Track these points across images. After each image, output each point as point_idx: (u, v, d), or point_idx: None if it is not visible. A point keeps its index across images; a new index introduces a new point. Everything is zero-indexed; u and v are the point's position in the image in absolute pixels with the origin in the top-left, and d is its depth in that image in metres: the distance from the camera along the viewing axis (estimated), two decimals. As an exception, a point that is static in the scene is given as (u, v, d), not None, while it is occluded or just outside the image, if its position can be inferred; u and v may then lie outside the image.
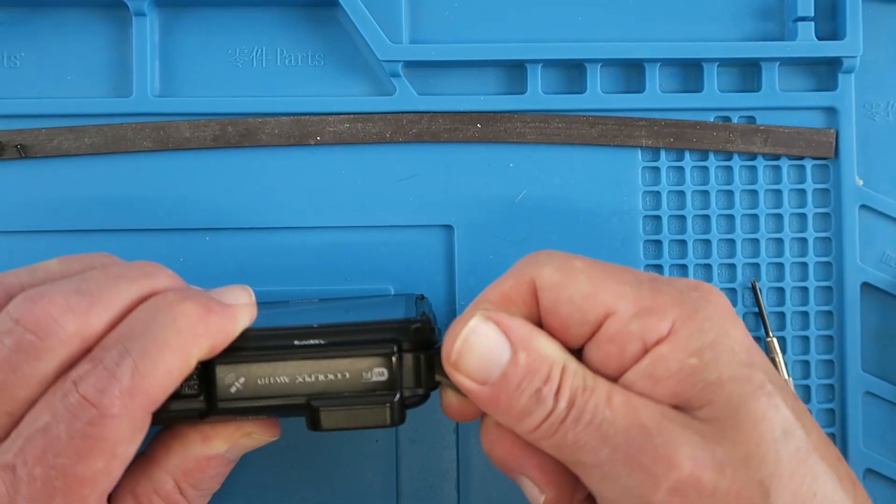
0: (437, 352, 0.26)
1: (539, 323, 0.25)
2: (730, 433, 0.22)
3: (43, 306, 0.22)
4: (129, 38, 0.35)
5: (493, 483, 0.35)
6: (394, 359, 0.25)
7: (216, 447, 0.26)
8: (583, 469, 0.23)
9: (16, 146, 0.34)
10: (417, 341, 0.25)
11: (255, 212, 0.35)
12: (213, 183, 0.35)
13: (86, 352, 0.22)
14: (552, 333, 0.24)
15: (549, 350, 0.24)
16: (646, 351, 0.23)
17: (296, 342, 0.25)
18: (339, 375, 0.25)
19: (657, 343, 0.23)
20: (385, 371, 0.25)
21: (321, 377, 0.25)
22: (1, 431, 0.22)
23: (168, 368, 0.22)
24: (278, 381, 0.25)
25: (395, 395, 0.25)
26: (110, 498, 0.24)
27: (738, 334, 0.24)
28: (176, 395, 0.24)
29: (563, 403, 0.23)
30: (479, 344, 0.24)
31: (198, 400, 0.25)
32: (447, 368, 0.24)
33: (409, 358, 0.25)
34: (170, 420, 0.25)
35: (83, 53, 0.35)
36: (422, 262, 0.35)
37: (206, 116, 0.35)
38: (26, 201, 0.35)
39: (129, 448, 0.22)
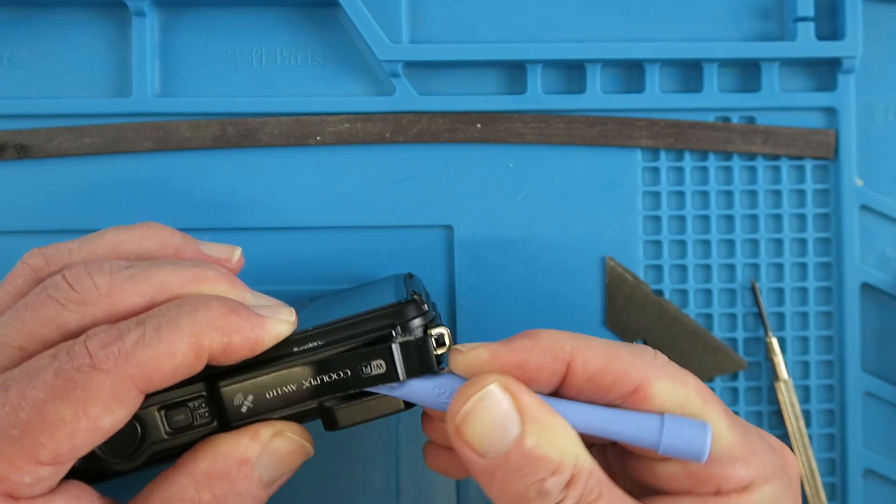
0: (436, 324, 0.26)
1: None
2: None
3: (90, 270, 0.24)
4: (129, 38, 0.35)
5: (493, 483, 0.35)
6: (392, 347, 0.25)
7: (245, 446, 0.24)
8: None
9: (16, 146, 0.34)
10: (411, 322, 0.25)
11: (255, 212, 0.35)
12: (213, 183, 0.35)
13: (111, 321, 0.23)
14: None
15: (564, 441, 0.23)
16: (717, 492, 0.24)
17: (295, 349, 0.25)
18: (343, 374, 0.25)
19: (730, 492, 0.24)
20: (382, 363, 0.25)
21: (326, 378, 0.25)
22: (10, 363, 0.23)
23: (172, 348, 0.22)
24: (286, 389, 0.25)
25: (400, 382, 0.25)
26: None
27: None
28: (189, 426, 0.25)
29: (570, 502, 0.23)
30: (488, 413, 0.23)
31: (211, 426, 0.25)
32: (449, 429, 0.23)
33: (403, 346, 0.25)
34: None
35: (83, 53, 0.35)
36: (422, 262, 0.35)
37: (206, 116, 0.35)
38: (26, 201, 0.35)
39: (102, 415, 0.22)
